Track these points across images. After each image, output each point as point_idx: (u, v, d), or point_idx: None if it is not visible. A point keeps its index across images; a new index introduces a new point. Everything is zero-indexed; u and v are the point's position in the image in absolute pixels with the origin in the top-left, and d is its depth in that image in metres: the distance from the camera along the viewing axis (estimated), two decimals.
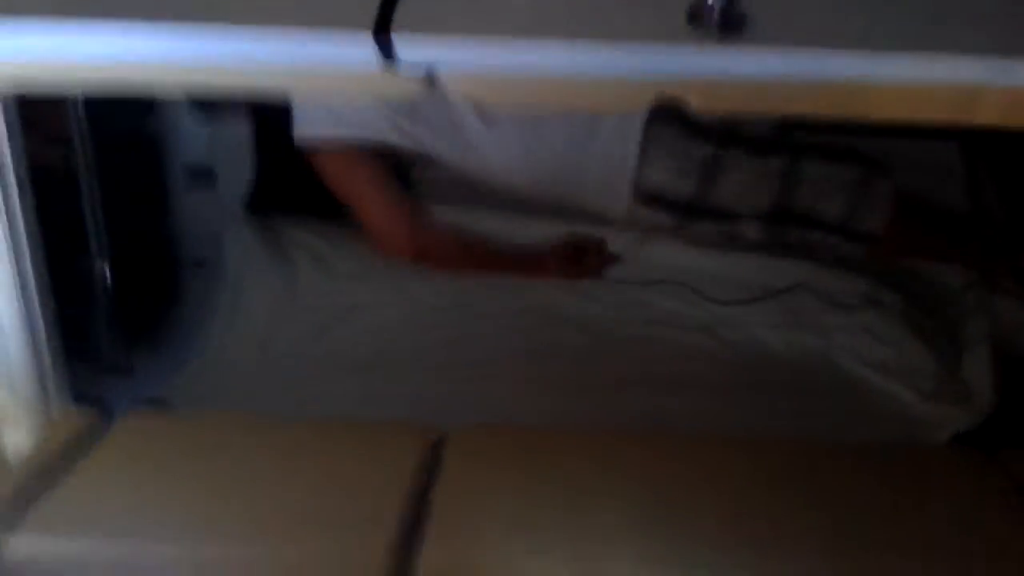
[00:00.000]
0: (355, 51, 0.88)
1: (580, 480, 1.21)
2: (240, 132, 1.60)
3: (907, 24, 0.82)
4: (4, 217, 1.11)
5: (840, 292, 1.51)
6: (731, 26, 0.77)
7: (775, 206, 1.49)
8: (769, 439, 1.38)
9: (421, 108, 1.48)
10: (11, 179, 1.12)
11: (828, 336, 1.49)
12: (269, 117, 1.54)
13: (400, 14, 0.88)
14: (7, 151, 1.10)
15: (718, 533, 1.15)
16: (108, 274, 1.41)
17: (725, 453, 1.37)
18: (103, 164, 1.37)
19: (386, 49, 0.87)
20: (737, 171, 1.47)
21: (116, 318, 1.44)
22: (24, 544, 1.04)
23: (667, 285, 1.55)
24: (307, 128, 1.50)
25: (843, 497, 1.26)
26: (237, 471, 1.20)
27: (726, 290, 1.53)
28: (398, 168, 1.59)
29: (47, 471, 1.15)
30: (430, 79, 0.88)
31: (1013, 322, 1.49)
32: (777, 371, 1.47)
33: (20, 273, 1.15)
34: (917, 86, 0.84)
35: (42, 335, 1.20)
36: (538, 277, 1.58)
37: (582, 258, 1.59)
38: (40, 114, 1.18)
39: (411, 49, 0.87)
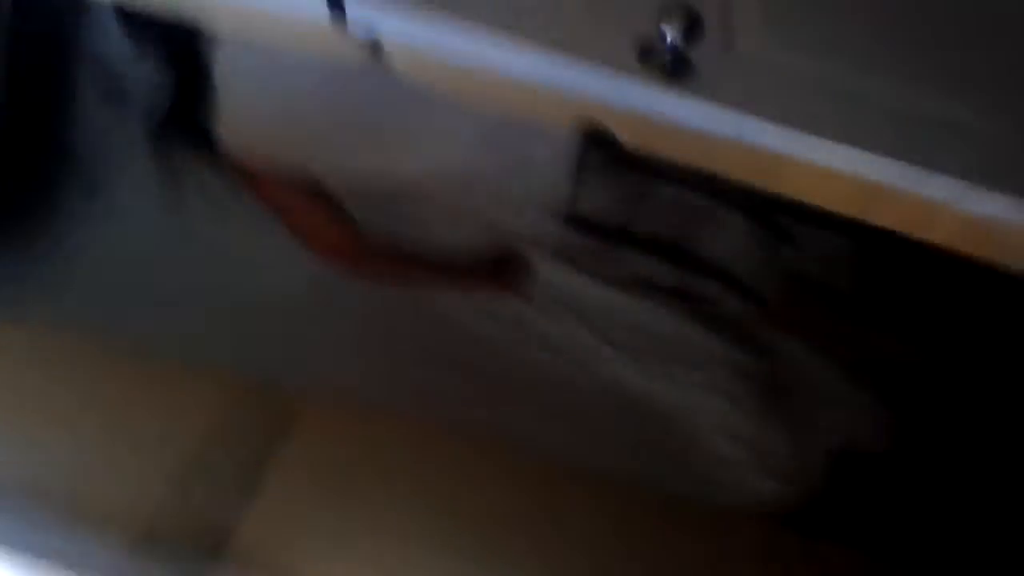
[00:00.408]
0: None
1: (401, 481, 1.22)
2: (160, 54, 1.53)
3: (844, 113, 0.84)
4: None
5: (718, 356, 1.53)
6: (678, 71, 0.78)
7: (684, 246, 1.49)
8: (603, 477, 1.41)
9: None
10: None
11: (694, 394, 1.51)
12: (191, 42, 1.48)
13: None
14: None
15: (520, 555, 1.19)
16: None
17: (558, 482, 1.39)
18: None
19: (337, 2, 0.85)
20: (658, 209, 1.46)
21: None
22: None
23: (562, 314, 1.54)
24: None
25: (652, 551, 1.32)
26: (52, 393, 1.17)
27: (619, 331, 1.53)
28: None
29: None
30: (375, 46, 0.86)
31: (861, 417, 1.54)
32: (637, 416, 1.49)
33: None
34: (828, 172, 0.87)
35: None
36: (463, 287, 1.52)
37: (506, 271, 1.52)
38: None
39: (361, 8, 0.85)
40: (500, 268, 1.51)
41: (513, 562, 1.21)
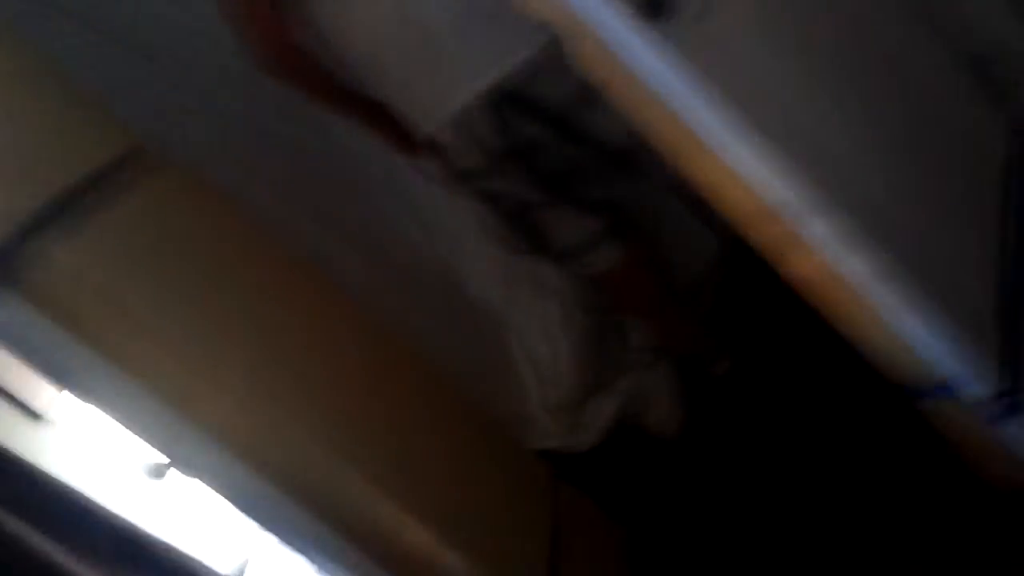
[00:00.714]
0: None
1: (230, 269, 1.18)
2: None
3: (778, 128, 0.82)
4: None
5: (557, 294, 1.52)
6: (653, 10, 0.74)
7: (525, 223, 1.43)
8: (421, 355, 1.40)
9: None
10: None
11: (523, 318, 1.51)
12: None
13: None
14: None
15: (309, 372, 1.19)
16: None
17: (376, 341, 1.39)
18: None
19: None
20: (510, 179, 1.37)
21: None
22: None
23: (442, 200, 1.48)
24: None
25: (425, 432, 1.31)
26: None
27: (481, 236, 1.49)
28: None
29: None
30: None
31: (650, 400, 1.58)
32: (470, 316, 1.50)
33: None
34: (732, 175, 0.86)
35: None
36: (371, 128, 1.39)
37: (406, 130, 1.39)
38: None
39: None
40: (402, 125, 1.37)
41: (294, 382, 1.19)
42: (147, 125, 1.18)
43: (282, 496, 1.09)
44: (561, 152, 1.35)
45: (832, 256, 0.89)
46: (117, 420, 1.05)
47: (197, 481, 1.17)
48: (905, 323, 0.91)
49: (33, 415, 1.26)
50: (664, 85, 0.77)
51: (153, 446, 1.07)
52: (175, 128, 1.27)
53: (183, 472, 1.14)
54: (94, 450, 1.28)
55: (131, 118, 1.15)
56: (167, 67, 1.33)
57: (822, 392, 1.42)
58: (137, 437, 1.08)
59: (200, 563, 1.40)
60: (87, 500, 1.29)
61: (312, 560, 1.19)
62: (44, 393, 1.21)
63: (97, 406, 1.04)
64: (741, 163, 0.84)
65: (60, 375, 0.98)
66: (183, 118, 1.30)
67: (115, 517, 1.32)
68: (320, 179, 1.44)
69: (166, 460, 1.18)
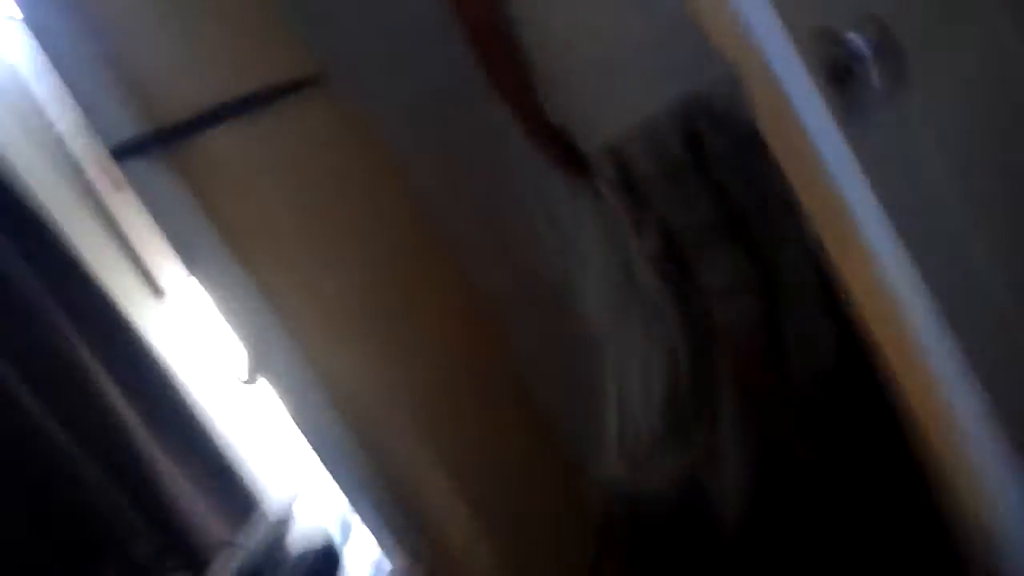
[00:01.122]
0: None
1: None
2: None
3: (926, 229, 0.78)
4: None
5: (661, 330, 1.46)
6: (842, 77, 0.72)
7: (678, 241, 1.40)
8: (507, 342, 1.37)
9: None
10: None
11: (622, 342, 1.47)
12: None
13: None
14: None
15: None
16: None
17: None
18: None
19: None
20: (684, 198, 1.35)
21: None
22: None
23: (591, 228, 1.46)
24: None
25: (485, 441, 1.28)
26: None
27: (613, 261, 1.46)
28: None
29: None
30: None
31: (720, 468, 1.51)
32: (573, 329, 1.47)
33: None
34: (872, 266, 0.81)
35: None
36: (522, 119, 1.39)
37: (570, 153, 1.40)
38: None
39: None
40: (575, 156, 1.38)
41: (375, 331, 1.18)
42: (333, 58, 1.21)
43: (344, 430, 1.10)
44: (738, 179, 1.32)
45: (940, 380, 0.83)
46: (220, 307, 1.08)
47: (277, 400, 1.20)
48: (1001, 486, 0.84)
49: (157, 291, 1.32)
50: (828, 150, 0.74)
51: (243, 341, 1.10)
52: (356, 67, 1.30)
53: (265, 378, 1.16)
54: (201, 337, 1.32)
55: (320, 48, 1.19)
56: (368, 11, 1.36)
57: (900, 519, 1.32)
58: (235, 334, 1.11)
59: (261, 482, 1.42)
60: (180, 387, 1.34)
61: (353, 506, 1.19)
62: (170, 273, 1.26)
63: (209, 290, 1.07)
64: (879, 253, 0.79)
65: (185, 249, 1.02)
66: (368, 62, 1.33)
67: (201, 414, 1.36)
68: (476, 163, 1.45)
69: (256, 370, 1.20)
